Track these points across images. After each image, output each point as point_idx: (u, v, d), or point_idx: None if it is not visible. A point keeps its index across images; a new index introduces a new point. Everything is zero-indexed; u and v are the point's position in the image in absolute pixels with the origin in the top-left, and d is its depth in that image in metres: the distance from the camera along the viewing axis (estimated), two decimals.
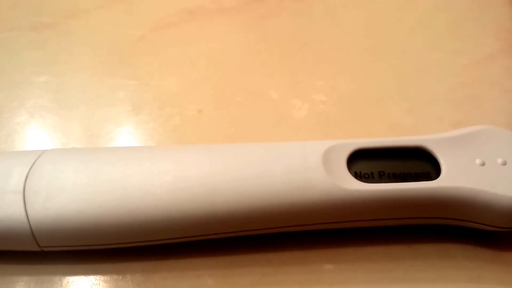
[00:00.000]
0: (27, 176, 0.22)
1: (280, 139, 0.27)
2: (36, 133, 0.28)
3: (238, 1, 0.36)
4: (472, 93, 0.30)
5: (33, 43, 0.34)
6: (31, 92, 0.30)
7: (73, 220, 0.21)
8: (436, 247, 0.23)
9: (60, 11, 0.36)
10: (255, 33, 0.34)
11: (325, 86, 0.30)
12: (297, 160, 0.22)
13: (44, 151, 0.23)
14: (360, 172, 0.22)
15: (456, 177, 0.21)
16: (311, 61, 0.32)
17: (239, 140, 0.28)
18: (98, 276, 0.22)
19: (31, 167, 0.22)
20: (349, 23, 0.35)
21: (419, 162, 0.22)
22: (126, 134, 0.28)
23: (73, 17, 0.35)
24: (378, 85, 0.30)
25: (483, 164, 0.22)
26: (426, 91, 0.30)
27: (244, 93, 0.30)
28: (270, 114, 0.29)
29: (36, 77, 0.31)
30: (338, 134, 0.28)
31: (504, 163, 0.22)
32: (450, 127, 0.28)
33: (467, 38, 0.33)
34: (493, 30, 0.34)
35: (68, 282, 0.22)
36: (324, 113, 0.29)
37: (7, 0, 0.37)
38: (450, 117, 0.28)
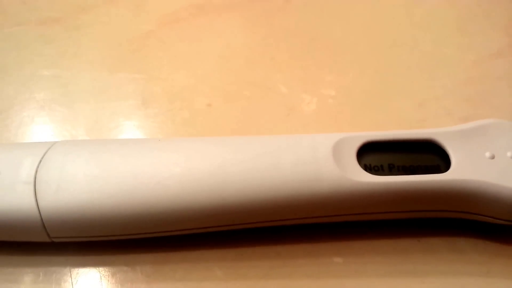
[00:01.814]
0: (38, 167, 0.22)
1: (289, 133, 0.27)
2: (46, 125, 0.29)
3: None
4: (481, 88, 0.30)
5: (43, 37, 0.34)
6: (41, 86, 0.31)
7: (83, 211, 0.21)
8: (445, 240, 0.23)
9: (70, 5, 0.36)
10: (264, 27, 0.34)
11: (334, 81, 0.30)
12: (307, 152, 0.22)
13: (55, 142, 0.23)
14: (370, 164, 0.22)
15: (466, 170, 0.21)
16: (320, 55, 0.32)
17: (248, 134, 0.28)
18: (108, 268, 0.22)
19: (42, 158, 0.22)
20: (358, 18, 0.35)
21: (428, 155, 0.22)
22: (136, 127, 0.28)
23: (83, 12, 0.35)
24: (387, 80, 0.30)
25: (492, 157, 0.22)
26: (435, 86, 0.30)
27: (253, 87, 0.30)
28: (279, 108, 0.29)
29: (46, 71, 0.31)
30: (347, 129, 0.28)
31: None
32: (459, 121, 0.28)
33: (475, 34, 0.33)
34: (501, 26, 0.34)
35: (77, 273, 0.22)
36: (333, 108, 0.29)
37: None
38: (459, 112, 0.28)
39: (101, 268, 0.22)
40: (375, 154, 0.22)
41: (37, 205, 0.21)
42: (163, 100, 0.30)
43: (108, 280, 0.22)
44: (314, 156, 0.22)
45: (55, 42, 0.33)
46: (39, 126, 0.28)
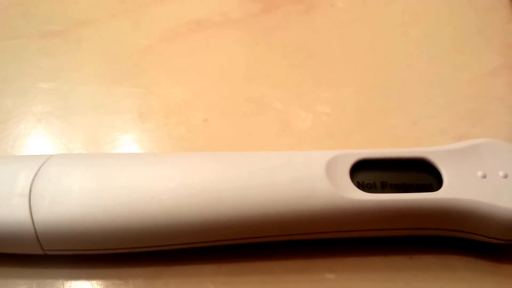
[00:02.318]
0: (33, 180, 0.22)
1: (284, 149, 0.27)
2: (42, 138, 0.29)
3: (245, 14, 0.37)
4: (475, 107, 0.30)
5: (42, 50, 0.34)
6: (39, 98, 0.31)
7: (78, 225, 0.21)
8: (437, 258, 0.23)
9: (70, 19, 0.36)
10: (261, 44, 0.35)
11: (330, 98, 0.31)
12: (301, 169, 0.22)
13: (51, 155, 0.23)
14: (363, 182, 0.22)
15: (458, 189, 0.22)
16: (316, 73, 0.32)
17: (243, 149, 0.28)
18: (101, 281, 0.22)
19: (38, 171, 0.22)
20: (354, 36, 0.35)
21: (421, 173, 0.23)
22: (132, 141, 0.29)
23: (83, 26, 0.36)
24: (382, 98, 0.31)
25: (484, 176, 0.22)
26: (430, 104, 0.30)
27: (250, 103, 0.30)
28: (274, 124, 0.29)
29: (44, 84, 0.32)
30: (341, 146, 0.28)
31: (506, 176, 0.22)
32: (453, 140, 0.28)
33: (471, 53, 0.34)
34: (497, 46, 0.34)
35: (70, 286, 0.22)
36: (328, 125, 0.29)
37: (17, 7, 0.37)
38: (453, 130, 0.29)
39: (94, 281, 0.22)
40: (368, 171, 0.22)
41: (32, 218, 0.21)
42: (160, 115, 0.30)
43: None
44: (308, 173, 0.22)
45: (55, 55, 0.34)
46: (36, 139, 0.29)
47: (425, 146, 0.24)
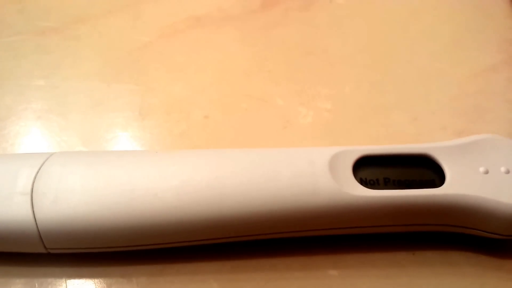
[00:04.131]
0: (35, 178, 0.22)
1: (286, 145, 0.27)
2: (42, 136, 0.29)
3: (244, 10, 0.36)
4: (475, 103, 0.30)
5: (41, 47, 0.34)
6: (38, 96, 0.31)
7: (80, 223, 0.21)
8: (440, 254, 0.23)
9: (68, 16, 0.36)
10: (261, 41, 0.34)
11: (330, 94, 0.31)
12: (304, 165, 0.22)
13: (52, 153, 0.23)
14: (366, 178, 0.22)
15: (460, 184, 0.22)
16: (317, 69, 0.32)
17: (244, 146, 0.28)
18: (104, 279, 0.22)
19: (39, 169, 0.22)
20: (354, 32, 0.35)
21: (423, 169, 0.23)
22: (133, 138, 0.28)
23: (81, 22, 0.35)
24: (382, 94, 0.31)
25: (486, 172, 0.22)
26: (430, 100, 0.30)
27: (250, 99, 0.30)
28: (275, 120, 0.29)
29: (43, 81, 0.31)
30: (343, 142, 0.28)
31: (507, 172, 0.22)
32: (454, 136, 0.28)
33: (470, 49, 0.34)
34: (496, 42, 0.34)
35: (73, 284, 0.22)
36: (329, 121, 0.29)
37: (15, 4, 0.37)
38: (453, 126, 0.29)
39: (97, 280, 0.22)
40: (371, 168, 0.22)
41: (34, 216, 0.21)
42: (160, 112, 0.30)
43: None
44: (310, 170, 0.22)
45: (53, 52, 0.33)
46: (36, 137, 0.29)
47: (425, 142, 0.24)
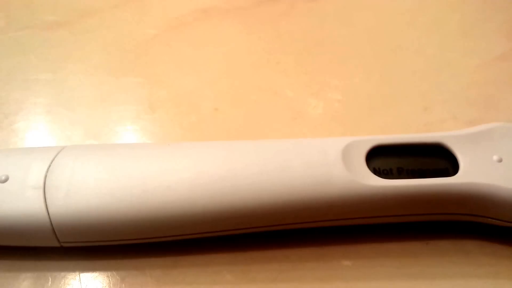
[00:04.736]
0: (47, 172, 0.22)
1: (297, 136, 0.27)
2: (52, 130, 0.29)
3: (251, 1, 0.36)
4: (485, 92, 0.30)
5: (48, 41, 0.34)
6: (46, 90, 0.31)
7: (93, 216, 0.21)
8: (453, 243, 0.23)
9: (75, 10, 0.36)
10: (270, 32, 0.34)
11: (340, 85, 0.30)
12: (317, 156, 0.22)
13: (64, 147, 0.23)
14: (379, 168, 0.22)
15: (474, 173, 0.22)
16: (326, 60, 0.32)
17: (255, 138, 0.28)
18: (117, 272, 0.22)
19: (51, 162, 0.22)
20: (363, 23, 0.35)
21: (437, 158, 0.23)
22: (143, 131, 0.28)
23: (88, 16, 0.35)
24: (392, 84, 0.31)
25: (500, 160, 0.22)
26: (440, 90, 0.30)
27: (260, 91, 0.30)
28: (285, 112, 0.29)
29: (52, 75, 0.31)
30: (353, 133, 0.28)
31: None
32: (464, 125, 0.28)
33: (479, 38, 0.33)
34: (505, 30, 0.34)
35: (86, 278, 0.22)
36: (339, 112, 0.29)
37: None
38: (464, 116, 0.28)
39: (110, 273, 0.22)
40: (384, 157, 0.22)
41: (47, 210, 0.21)
42: (169, 105, 0.30)
43: (118, 285, 0.22)
44: (324, 160, 0.22)
45: (61, 46, 0.33)
46: (46, 131, 0.29)
47: (437, 131, 0.24)
